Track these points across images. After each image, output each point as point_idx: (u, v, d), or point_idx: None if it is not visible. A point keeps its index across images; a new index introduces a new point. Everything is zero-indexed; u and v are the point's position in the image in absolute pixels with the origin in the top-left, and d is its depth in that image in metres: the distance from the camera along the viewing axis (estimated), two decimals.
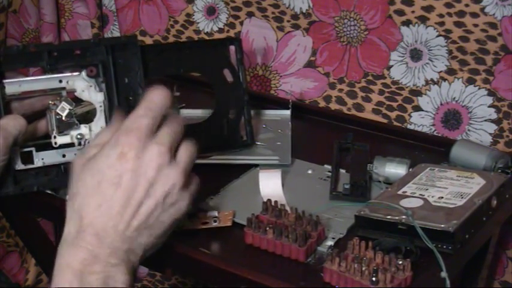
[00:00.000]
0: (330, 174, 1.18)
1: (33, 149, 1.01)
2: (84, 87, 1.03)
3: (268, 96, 1.50)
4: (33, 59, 1.02)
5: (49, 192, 1.10)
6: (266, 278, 0.93)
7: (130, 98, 1.06)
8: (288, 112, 1.35)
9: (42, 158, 1.02)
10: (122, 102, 1.05)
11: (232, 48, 1.22)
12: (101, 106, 1.03)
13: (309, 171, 1.20)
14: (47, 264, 1.51)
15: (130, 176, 0.83)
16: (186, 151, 0.88)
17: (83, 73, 1.03)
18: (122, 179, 0.83)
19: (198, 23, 1.55)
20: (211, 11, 1.53)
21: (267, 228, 0.98)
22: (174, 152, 0.87)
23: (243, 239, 1.00)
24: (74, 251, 0.81)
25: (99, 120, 1.04)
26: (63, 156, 1.03)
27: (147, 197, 0.84)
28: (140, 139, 0.84)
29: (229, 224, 1.03)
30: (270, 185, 1.12)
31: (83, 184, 0.84)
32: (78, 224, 0.83)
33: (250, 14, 1.48)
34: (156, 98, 0.88)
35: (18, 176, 1.01)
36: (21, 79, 1.01)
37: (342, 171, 1.19)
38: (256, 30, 1.49)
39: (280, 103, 1.39)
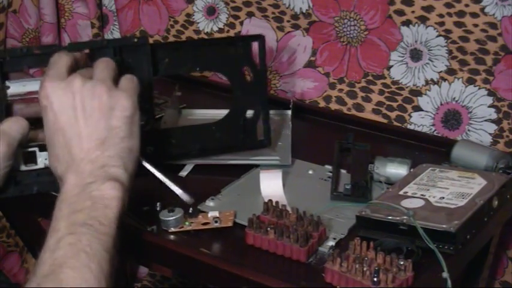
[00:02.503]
0: (330, 174, 1.18)
1: (36, 149, 1.01)
2: None
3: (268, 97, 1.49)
4: (38, 61, 1.02)
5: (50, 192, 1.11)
6: (267, 278, 0.93)
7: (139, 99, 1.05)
8: (288, 112, 1.35)
9: (45, 159, 1.01)
10: None
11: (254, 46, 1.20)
12: None
13: (310, 172, 1.20)
14: None
15: (61, 116, 0.89)
16: (97, 65, 0.95)
17: None
18: (57, 125, 0.89)
19: (198, 23, 1.55)
20: (211, 11, 1.53)
21: (268, 229, 0.98)
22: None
23: (243, 240, 1.00)
24: (60, 192, 0.88)
25: None
26: None
27: (85, 120, 0.89)
28: (47, 86, 0.90)
29: (230, 224, 1.03)
30: (271, 185, 1.12)
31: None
32: (57, 171, 0.90)
33: (250, 14, 1.48)
34: (53, 57, 0.95)
35: (20, 176, 1.01)
36: (25, 80, 1.02)
37: (343, 171, 1.19)
38: (256, 30, 1.49)
39: (280, 103, 1.39)
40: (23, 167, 1.00)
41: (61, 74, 0.91)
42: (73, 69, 0.94)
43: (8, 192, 1.00)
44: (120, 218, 0.86)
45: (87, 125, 0.88)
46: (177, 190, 1.01)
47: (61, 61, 0.93)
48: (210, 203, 1.09)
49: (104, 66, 0.94)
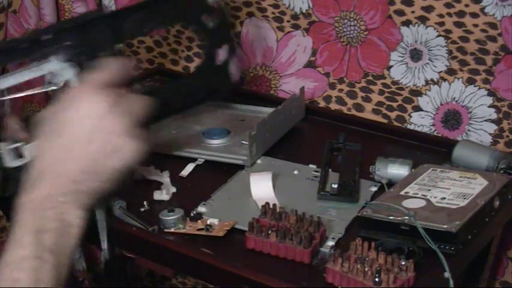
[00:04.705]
0: (316, 174, 1.19)
1: (22, 143, 1.00)
2: (59, 71, 1.00)
3: (268, 96, 1.50)
4: (7, 55, 1.00)
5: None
6: (268, 279, 0.94)
7: None
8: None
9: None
10: None
11: None
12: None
13: (295, 172, 1.20)
14: None
15: (70, 125, 0.87)
16: (131, 102, 0.90)
17: (55, 58, 1.00)
18: (62, 128, 0.87)
19: None
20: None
21: (269, 232, 0.98)
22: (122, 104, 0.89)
23: (243, 245, 1.00)
24: (31, 191, 0.85)
25: None
26: None
27: (87, 145, 0.87)
28: (81, 90, 0.88)
29: (221, 234, 1.02)
30: (262, 188, 1.13)
31: (40, 133, 0.89)
32: (35, 171, 0.87)
33: (250, 14, 1.48)
34: (111, 62, 0.92)
35: (13, 174, 0.99)
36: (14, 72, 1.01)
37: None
38: (256, 30, 1.49)
39: (280, 103, 1.39)
40: (12, 164, 0.99)
41: (103, 85, 0.88)
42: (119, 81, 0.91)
43: (8, 191, 1.00)
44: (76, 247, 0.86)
45: (86, 149, 0.87)
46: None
47: (113, 70, 0.91)
48: (202, 208, 1.09)
49: (135, 105, 0.90)
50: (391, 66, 1.37)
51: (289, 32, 1.46)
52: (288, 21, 1.45)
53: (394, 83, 1.38)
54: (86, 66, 1.00)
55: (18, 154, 0.99)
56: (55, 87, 1.01)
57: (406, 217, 0.97)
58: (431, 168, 1.13)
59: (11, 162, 0.99)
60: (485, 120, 1.32)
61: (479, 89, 1.31)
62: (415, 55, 1.34)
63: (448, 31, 1.28)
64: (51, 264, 0.81)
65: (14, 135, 1.00)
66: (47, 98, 1.61)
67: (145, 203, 1.10)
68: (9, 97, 1.02)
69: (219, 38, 1.16)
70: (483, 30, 1.24)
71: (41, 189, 0.85)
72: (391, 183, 1.13)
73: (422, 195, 1.04)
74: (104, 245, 1.00)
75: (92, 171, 0.87)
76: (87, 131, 0.86)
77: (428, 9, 1.28)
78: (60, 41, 1.00)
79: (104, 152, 0.87)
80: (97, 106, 0.87)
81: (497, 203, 1.03)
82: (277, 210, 1.02)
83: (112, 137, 0.87)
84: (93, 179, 0.87)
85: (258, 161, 1.23)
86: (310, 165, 1.22)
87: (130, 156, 0.88)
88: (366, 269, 0.89)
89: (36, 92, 1.03)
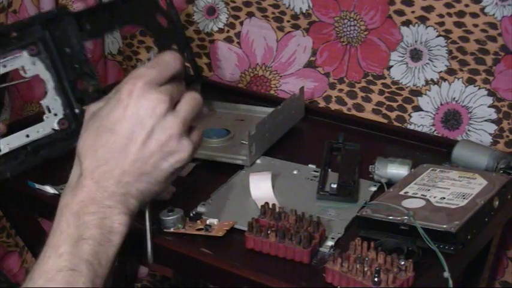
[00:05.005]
0: (316, 174, 1.19)
1: None
2: (29, 65, 1.02)
3: (268, 96, 1.50)
4: None
5: (51, 192, 1.11)
6: (268, 278, 0.93)
7: (76, 66, 1.04)
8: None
9: (7, 144, 0.99)
10: (69, 72, 1.04)
11: None
12: (48, 80, 1.02)
13: (295, 172, 1.20)
14: None
15: (127, 123, 0.84)
16: (187, 101, 0.88)
17: (25, 53, 1.01)
18: (117, 126, 0.84)
19: (198, 23, 1.55)
20: (211, 11, 1.53)
21: (269, 232, 0.98)
22: (175, 103, 0.87)
23: (242, 244, 1.00)
24: (74, 194, 0.83)
25: (52, 94, 1.02)
26: (27, 136, 1.01)
27: (142, 145, 0.84)
28: (139, 87, 0.84)
29: (220, 234, 1.02)
30: (261, 188, 1.12)
31: (85, 130, 0.87)
32: (79, 169, 0.85)
33: (250, 14, 1.48)
34: (166, 56, 0.88)
35: None
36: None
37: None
38: (256, 30, 1.49)
39: (280, 103, 1.39)
40: None
41: (160, 81, 0.85)
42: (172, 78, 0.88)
43: None
44: (117, 255, 0.84)
45: (140, 151, 0.84)
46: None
47: (169, 67, 0.87)
48: (201, 208, 1.09)
49: (192, 104, 0.88)
50: (391, 66, 1.37)
51: (289, 32, 1.46)
52: (288, 21, 1.45)
53: (394, 83, 1.38)
54: (55, 59, 1.02)
55: None
56: (23, 81, 1.02)
57: (406, 217, 0.97)
58: (431, 168, 1.13)
59: None
60: (485, 120, 1.32)
61: (479, 89, 1.31)
62: (415, 55, 1.34)
63: (448, 31, 1.28)
64: (87, 277, 0.79)
65: None
66: None
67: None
68: None
69: (171, 37, 1.16)
70: (483, 30, 1.24)
71: (85, 191, 0.83)
72: (390, 183, 1.13)
73: (422, 195, 1.04)
74: (149, 251, 1.00)
75: (144, 173, 0.85)
76: (146, 132, 0.84)
77: (428, 9, 1.28)
78: (28, 36, 1.01)
79: (161, 153, 0.85)
80: (158, 105, 0.84)
81: (496, 203, 1.03)
82: (277, 210, 1.02)
83: (171, 138, 0.85)
84: (144, 181, 0.86)
85: (258, 161, 1.23)
86: (310, 165, 1.22)
87: (185, 158, 0.87)
88: (365, 269, 0.89)
89: (4, 85, 1.07)
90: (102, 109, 0.86)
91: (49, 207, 1.11)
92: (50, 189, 1.11)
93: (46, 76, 1.02)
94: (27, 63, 1.02)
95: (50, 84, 1.02)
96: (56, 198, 1.10)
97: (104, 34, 1.21)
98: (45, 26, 1.03)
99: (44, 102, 1.02)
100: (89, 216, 0.82)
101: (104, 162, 0.84)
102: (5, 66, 1.01)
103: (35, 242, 1.43)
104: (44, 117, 1.02)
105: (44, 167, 1.03)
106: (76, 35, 1.05)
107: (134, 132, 0.84)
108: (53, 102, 1.02)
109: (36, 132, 1.02)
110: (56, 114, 1.02)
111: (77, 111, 1.02)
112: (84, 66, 1.04)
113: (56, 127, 1.02)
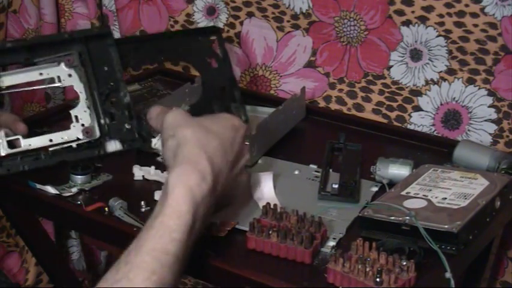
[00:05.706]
0: (317, 174, 1.19)
1: (19, 136, 1.03)
2: (64, 76, 1.06)
3: (268, 96, 1.50)
4: (10, 56, 1.04)
5: (52, 192, 1.11)
6: (269, 278, 0.93)
7: (112, 84, 1.08)
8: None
9: (29, 144, 1.03)
10: (102, 89, 1.07)
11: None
12: (81, 92, 1.06)
13: (296, 172, 1.20)
14: (47, 263, 1.50)
15: (223, 130, 0.95)
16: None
17: (62, 64, 1.05)
18: (216, 132, 0.94)
19: (198, 23, 1.55)
20: (211, 11, 1.53)
21: (270, 232, 0.98)
22: None
23: (244, 245, 1.00)
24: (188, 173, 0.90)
25: (82, 106, 1.06)
26: (50, 140, 1.05)
27: (231, 149, 0.95)
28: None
29: (222, 234, 1.02)
30: (262, 188, 1.13)
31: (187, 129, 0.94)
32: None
33: (250, 14, 1.48)
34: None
35: (4, 161, 1.02)
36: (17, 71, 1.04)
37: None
38: (256, 30, 1.49)
39: (280, 103, 1.39)
40: (8, 151, 1.02)
41: None
42: None
43: None
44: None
45: (230, 155, 0.95)
46: None
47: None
48: None
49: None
50: (391, 66, 1.37)
51: (289, 32, 1.46)
52: (288, 21, 1.45)
53: (394, 83, 1.38)
54: (89, 73, 1.06)
55: (12, 144, 1.02)
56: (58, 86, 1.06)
57: (407, 217, 0.97)
58: (432, 169, 1.13)
59: (7, 150, 1.01)
60: (485, 120, 1.32)
61: (479, 89, 1.31)
62: (415, 55, 1.34)
63: (448, 31, 1.28)
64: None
65: (11, 126, 1.05)
66: (47, 98, 1.62)
67: (142, 203, 1.10)
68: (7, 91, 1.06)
69: (219, 78, 1.21)
70: (483, 30, 1.25)
71: (196, 188, 0.88)
72: (392, 184, 1.13)
73: (423, 195, 1.04)
74: None
75: (228, 178, 0.94)
76: (230, 142, 0.95)
77: (428, 9, 1.28)
78: (68, 49, 1.05)
79: (235, 163, 0.96)
80: (232, 120, 0.98)
81: (498, 203, 1.03)
82: (278, 210, 1.02)
83: (243, 165, 0.98)
84: (225, 186, 0.94)
85: (259, 161, 1.23)
86: (311, 165, 1.22)
87: (242, 184, 1.01)
88: (367, 269, 0.89)
89: (34, 88, 1.08)
90: (211, 121, 0.96)
91: (49, 207, 1.12)
92: (51, 190, 1.11)
93: (79, 88, 1.06)
94: (62, 74, 1.05)
95: (82, 96, 1.06)
96: (56, 198, 1.10)
97: (146, 64, 1.24)
98: (85, 41, 1.07)
99: (74, 112, 1.06)
100: (181, 227, 0.86)
101: (210, 161, 0.91)
102: (41, 73, 1.05)
103: (36, 241, 1.43)
104: (71, 125, 1.05)
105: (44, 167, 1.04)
106: (115, 54, 1.08)
107: (228, 141, 0.96)
108: (82, 113, 1.06)
109: (60, 138, 1.05)
110: (83, 125, 1.05)
111: (102, 122, 1.06)
112: (119, 86, 1.07)
113: (81, 136, 1.05)
